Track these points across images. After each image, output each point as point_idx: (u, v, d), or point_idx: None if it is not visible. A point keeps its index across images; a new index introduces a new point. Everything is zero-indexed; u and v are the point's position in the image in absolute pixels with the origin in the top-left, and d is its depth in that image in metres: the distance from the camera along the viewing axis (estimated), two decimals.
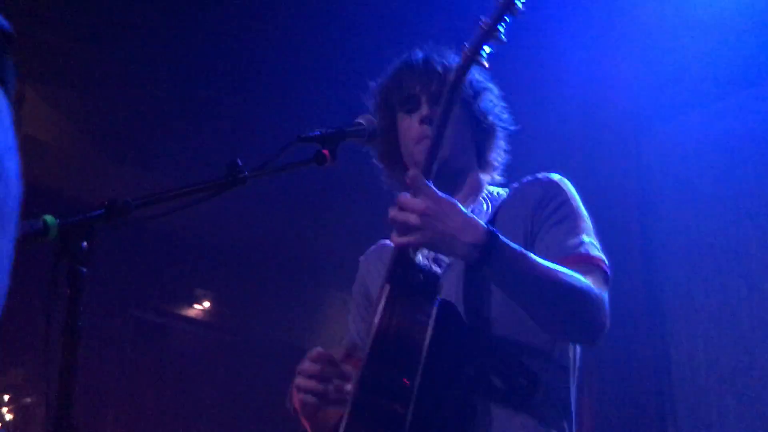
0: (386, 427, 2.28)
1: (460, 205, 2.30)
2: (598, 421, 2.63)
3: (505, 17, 2.47)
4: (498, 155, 2.90)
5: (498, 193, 2.82)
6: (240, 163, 2.36)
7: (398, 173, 2.90)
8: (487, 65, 2.53)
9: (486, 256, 2.25)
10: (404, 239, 2.28)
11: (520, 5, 2.46)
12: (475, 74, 2.80)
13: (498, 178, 2.91)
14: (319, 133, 2.55)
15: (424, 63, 2.83)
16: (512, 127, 2.92)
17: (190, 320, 8.69)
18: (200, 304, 8.71)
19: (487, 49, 2.50)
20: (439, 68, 2.79)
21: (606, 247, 2.63)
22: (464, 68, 2.52)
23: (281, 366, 8.80)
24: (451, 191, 2.61)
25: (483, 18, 2.49)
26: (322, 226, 8.13)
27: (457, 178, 2.77)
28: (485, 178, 2.88)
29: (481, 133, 2.84)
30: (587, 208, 2.68)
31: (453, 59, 2.79)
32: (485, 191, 2.82)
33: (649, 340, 5.99)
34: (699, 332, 5.86)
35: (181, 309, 8.65)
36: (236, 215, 7.76)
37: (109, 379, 7.66)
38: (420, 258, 2.44)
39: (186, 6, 5.75)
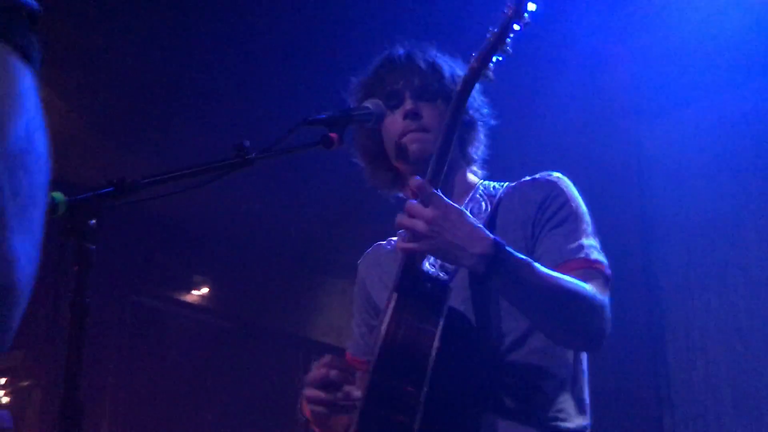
0: None
1: (467, 214, 2.31)
2: (594, 409, 2.62)
3: (513, 29, 2.47)
4: (479, 149, 2.89)
5: (494, 187, 2.80)
6: (247, 144, 2.37)
7: (381, 172, 2.90)
8: (492, 77, 2.53)
9: (492, 268, 2.26)
10: (411, 246, 2.29)
11: (527, 16, 2.46)
12: (457, 69, 2.80)
13: (479, 172, 2.90)
14: (326, 116, 2.54)
15: (407, 58, 2.82)
16: (492, 122, 2.92)
17: (189, 306, 8.68)
18: (198, 290, 8.70)
19: (494, 59, 2.50)
20: (422, 64, 2.79)
21: (604, 240, 2.63)
22: (472, 79, 2.51)
23: (279, 353, 8.86)
24: (443, 190, 2.58)
25: (491, 28, 2.49)
26: (322, 214, 8.12)
27: (447, 176, 2.68)
28: (475, 174, 2.87)
29: (462, 127, 2.80)
30: (585, 199, 2.68)
31: (435, 55, 2.82)
32: (480, 188, 2.80)
33: (646, 330, 6.02)
34: (696, 323, 5.88)
35: (180, 295, 8.64)
36: (236, 201, 7.74)
37: (106, 364, 7.66)
38: (427, 266, 2.46)
39: None
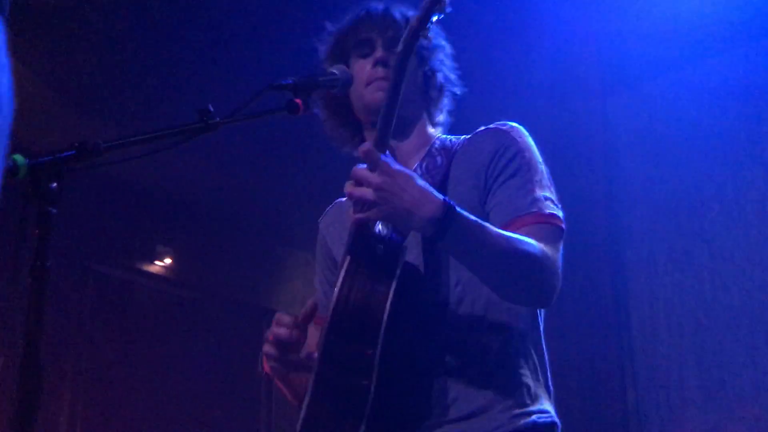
0: (349, 400, 2.30)
1: (416, 177, 2.28)
2: (556, 381, 2.62)
3: None
4: (442, 112, 2.89)
5: (451, 140, 2.79)
6: (211, 109, 2.34)
7: (344, 127, 2.89)
8: (430, 38, 2.51)
9: (442, 231, 2.25)
10: (361, 215, 2.27)
11: None
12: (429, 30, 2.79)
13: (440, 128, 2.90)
14: (291, 81, 2.51)
15: (383, 11, 2.82)
16: (459, 90, 2.91)
17: (152, 276, 8.63)
18: (162, 260, 8.65)
19: (432, 18, 2.45)
20: (398, 17, 2.79)
21: (569, 207, 2.63)
22: (411, 39, 2.47)
23: (244, 324, 8.83)
24: (400, 141, 2.66)
25: None
26: (287, 184, 8.09)
27: (405, 128, 2.74)
28: (434, 130, 2.86)
29: (430, 89, 2.83)
30: (553, 168, 2.66)
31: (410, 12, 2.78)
32: (437, 142, 2.78)
33: (610, 302, 6.04)
34: (660, 295, 5.92)
35: (143, 265, 8.59)
36: (199, 171, 7.71)
37: (68, 334, 7.61)
38: (380, 227, 2.42)
39: None
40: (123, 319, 8.25)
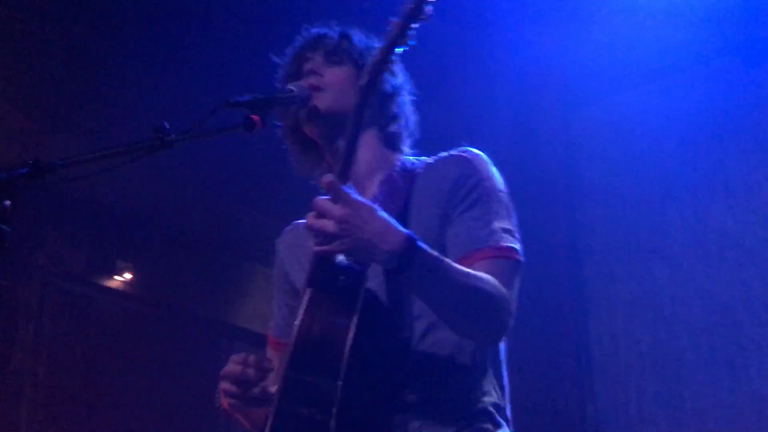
0: None
1: (378, 209, 2.26)
2: (517, 399, 2.61)
3: (415, 21, 2.44)
4: (400, 133, 2.85)
5: (412, 163, 2.78)
6: (167, 126, 2.32)
7: (306, 155, 2.87)
8: (395, 70, 2.57)
9: (403, 264, 2.24)
10: (322, 248, 2.24)
11: (429, 9, 2.44)
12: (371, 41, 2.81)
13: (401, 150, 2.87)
14: (248, 98, 2.49)
15: (323, 33, 2.85)
16: (414, 113, 2.90)
17: (112, 291, 8.56)
18: (122, 275, 8.59)
19: (396, 51, 2.48)
20: (334, 34, 2.82)
21: (530, 228, 2.63)
22: (377, 72, 2.49)
23: (205, 340, 8.77)
24: (358, 162, 2.57)
25: (393, 20, 2.47)
26: (248, 199, 8.06)
27: (362, 149, 2.65)
28: (394, 152, 2.83)
29: (385, 110, 2.81)
30: (513, 187, 2.66)
31: (348, 29, 2.84)
32: (398, 165, 2.77)
33: (570, 318, 6.07)
34: (620, 312, 5.95)
35: (103, 280, 8.52)
36: (161, 185, 7.66)
37: (26, 350, 7.54)
38: (342, 258, 2.39)
39: None
40: (83, 335, 8.17)
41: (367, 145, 2.74)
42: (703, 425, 5.45)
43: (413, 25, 2.44)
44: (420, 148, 2.90)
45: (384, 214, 2.26)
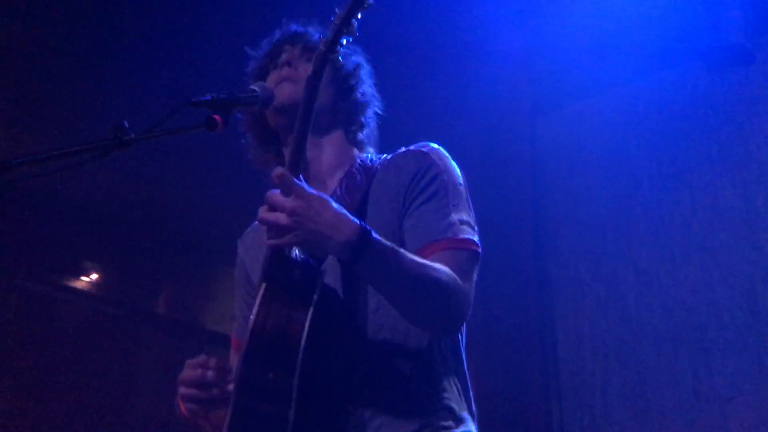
0: (268, 429, 2.26)
1: (330, 201, 2.27)
2: (482, 401, 2.61)
3: (359, 11, 2.48)
4: (362, 131, 2.89)
5: (371, 160, 2.79)
6: (126, 125, 2.30)
7: (264, 147, 2.90)
8: (341, 61, 2.61)
9: (357, 255, 2.24)
10: (275, 241, 2.24)
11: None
12: (348, 48, 2.80)
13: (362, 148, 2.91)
14: (210, 97, 2.47)
15: (294, 30, 2.89)
16: (379, 109, 2.94)
17: (78, 292, 8.51)
18: (88, 276, 8.54)
19: (342, 41, 2.54)
20: (308, 30, 2.87)
21: (496, 232, 2.63)
22: (321, 62, 2.54)
23: (171, 341, 8.72)
24: (319, 159, 2.68)
25: (337, 10, 2.52)
26: (216, 200, 8.03)
27: (324, 146, 2.77)
28: (355, 149, 2.86)
29: (347, 107, 2.85)
30: (480, 186, 2.67)
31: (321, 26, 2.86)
32: (358, 161, 2.78)
33: (535, 320, 6.08)
34: (586, 314, 5.97)
35: (69, 281, 8.47)
36: (128, 185, 7.63)
37: None
38: (296, 252, 2.40)
39: None
40: (47, 336, 8.10)
41: (332, 144, 2.80)
42: (666, 426, 5.47)
43: (357, 15, 2.48)
44: (384, 144, 2.92)
45: (336, 206, 2.27)
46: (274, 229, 2.22)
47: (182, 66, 5.99)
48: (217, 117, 2.46)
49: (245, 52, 2.98)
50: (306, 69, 2.68)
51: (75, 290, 8.52)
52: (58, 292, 8.44)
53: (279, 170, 2.24)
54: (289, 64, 2.79)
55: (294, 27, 2.91)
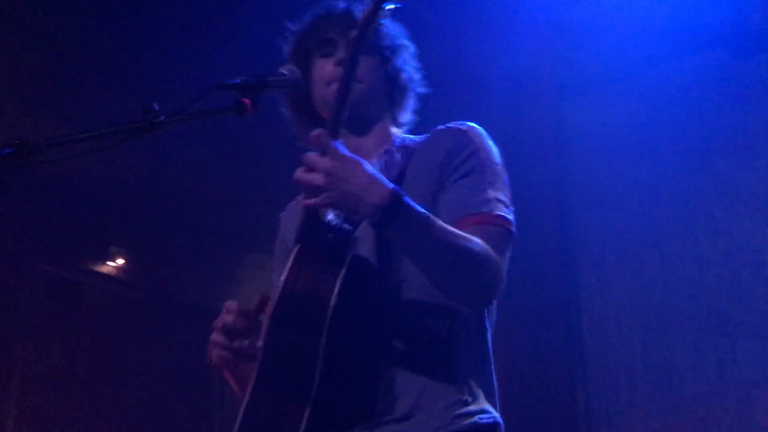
0: (294, 387, 2.27)
1: (366, 163, 2.27)
2: (506, 383, 2.60)
3: None
4: (408, 114, 2.90)
5: (412, 139, 2.79)
6: (156, 107, 2.31)
7: (307, 123, 2.86)
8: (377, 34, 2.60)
9: (388, 218, 2.23)
10: (310, 201, 2.25)
11: None
12: (393, 29, 2.82)
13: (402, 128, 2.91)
14: (239, 81, 2.45)
15: (344, 10, 2.82)
16: (423, 90, 2.92)
17: (104, 277, 8.55)
18: (114, 261, 8.57)
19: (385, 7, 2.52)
20: (360, 16, 2.72)
21: (522, 208, 2.62)
22: (362, 31, 2.52)
23: (196, 326, 8.77)
24: (361, 138, 2.68)
25: None
26: (241, 186, 8.05)
27: (366, 126, 2.76)
28: (397, 130, 2.86)
29: (393, 89, 2.84)
30: (506, 165, 2.66)
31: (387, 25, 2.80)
32: (398, 141, 2.78)
33: (560, 304, 6.08)
34: (610, 298, 5.96)
35: (95, 265, 8.50)
36: (154, 170, 7.65)
37: (16, 336, 7.53)
38: (331, 216, 2.42)
39: None
40: (73, 320, 8.17)
41: (374, 124, 2.80)
42: (691, 411, 5.47)
43: None
44: (415, 123, 2.93)
45: (371, 168, 2.27)
46: (310, 189, 2.23)
47: (211, 48, 5.98)
48: (246, 100, 2.44)
49: (275, 34, 2.94)
50: (362, 62, 2.62)
51: (101, 275, 8.57)
52: (84, 277, 8.48)
53: (317, 131, 2.25)
54: (339, 63, 2.70)
55: (342, 5, 2.85)
